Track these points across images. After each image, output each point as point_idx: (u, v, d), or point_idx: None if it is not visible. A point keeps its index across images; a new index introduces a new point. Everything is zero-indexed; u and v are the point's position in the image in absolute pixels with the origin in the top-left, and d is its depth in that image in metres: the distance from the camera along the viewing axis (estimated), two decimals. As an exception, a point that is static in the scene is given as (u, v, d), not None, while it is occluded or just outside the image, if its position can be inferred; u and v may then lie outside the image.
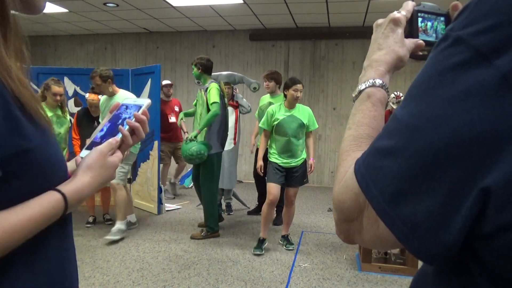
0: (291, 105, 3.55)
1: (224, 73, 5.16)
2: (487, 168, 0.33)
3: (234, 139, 4.81)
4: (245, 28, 7.52)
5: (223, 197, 5.01)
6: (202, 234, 3.99)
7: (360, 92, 0.56)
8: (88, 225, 4.37)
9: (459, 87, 0.35)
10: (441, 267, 0.44)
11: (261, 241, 3.66)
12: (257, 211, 4.96)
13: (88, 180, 0.66)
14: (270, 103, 4.56)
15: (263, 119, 3.60)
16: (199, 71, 4.01)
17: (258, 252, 3.56)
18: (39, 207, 0.58)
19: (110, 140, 0.71)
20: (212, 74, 5.28)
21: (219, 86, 3.95)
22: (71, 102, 5.34)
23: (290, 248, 3.70)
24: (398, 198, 0.39)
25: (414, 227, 0.38)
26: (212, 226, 4.02)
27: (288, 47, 7.47)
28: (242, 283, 2.96)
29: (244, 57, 7.67)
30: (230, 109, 4.76)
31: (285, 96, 3.57)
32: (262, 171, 3.70)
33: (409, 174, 0.38)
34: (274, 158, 3.58)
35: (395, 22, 0.59)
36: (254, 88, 5.03)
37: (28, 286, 0.60)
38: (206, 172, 3.94)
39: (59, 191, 0.62)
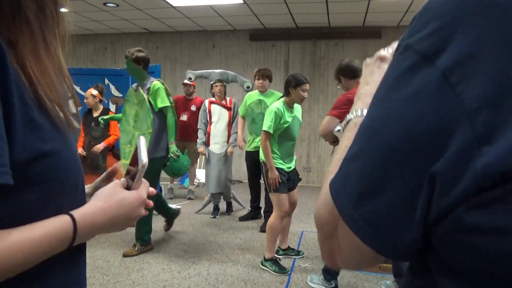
0: (292, 105, 3.24)
1: (217, 71, 5.10)
2: (436, 158, 0.35)
3: (227, 142, 4.70)
4: (245, 28, 7.52)
5: (221, 197, 4.94)
6: (136, 249, 3.50)
7: (348, 122, 0.60)
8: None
9: (409, 88, 0.38)
10: (409, 261, 0.46)
11: (277, 261, 3.26)
12: (251, 217, 4.79)
13: (101, 205, 0.61)
14: (260, 101, 4.42)
15: (268, 122, 3.12)
16: (140, 66, 3.38)
17: (286, 271, 3.18)
18: (43, 226, 0.52)
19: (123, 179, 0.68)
20: (204, 71, 5.22)
21: (164, 84, 3.54)
22: (71, 102, 5.34)
23: (302, 255, 3.58)
24: (362, 200, 0.40)
25: (377, 226, 0.39)
26: (145, 239, 3.55)
27: (288, 47, 7.47)
28: (242, 283, 2.96)
29: (244, 57, 7.67)
30: (222, 110, 4.67)
31: (287, 94, 3.22)
32: (274, 182, 3.17)
33: (370, 174, 0.40)
34: (279, 163, 3.22)
35: (381, 59, 0.63)
36: (248, 87, 4.90)
37: None
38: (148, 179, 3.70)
39: (67, 213, 0.56)
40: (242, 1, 5.85)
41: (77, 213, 0.57)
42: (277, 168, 3.17)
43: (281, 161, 3.24)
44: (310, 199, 6.04)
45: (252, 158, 4.40)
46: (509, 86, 0.33)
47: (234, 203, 5.30)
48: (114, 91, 5.48)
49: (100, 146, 4.30)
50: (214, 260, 3.43)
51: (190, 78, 4.98)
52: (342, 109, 2.70)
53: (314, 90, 7.37)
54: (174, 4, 6.04)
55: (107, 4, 6.08)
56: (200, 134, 4.71)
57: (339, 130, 2.73)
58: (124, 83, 5.45)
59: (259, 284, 2.96)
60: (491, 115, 0.33)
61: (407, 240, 0.38)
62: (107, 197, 0.62)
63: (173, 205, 5.39)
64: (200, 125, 4.74)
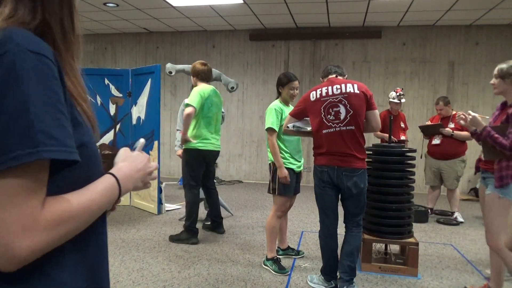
0: (287, 103, 3.29)
1: None
2: None
3: None
4: (245, 28, 7.52)
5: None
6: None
7: (293, 126, 0.72)
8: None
9: None
10: None
11: (278, 260, 3.24)
12: (216, 227, 4.23)
13: (123, 163, 0.79)
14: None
15: (271, 119, 3.11)
16: None
17: (285, 272, 3.15)
18: (98, 185, 0.69)
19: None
20: (186, 66, 4.91)
21: None
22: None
23: (302, 255, 3.57)
24: None
25: None
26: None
27: (288, 47, 7.47)
28: (242, 283, 2.96)
29: (244, 57, 7.67)
30: None
31: (279, 93, 3.28)
32: (283, 182, 3.12)
33: None
34: (289, 163, 3.17)
35: None
36: (232, 88, 4.72)
37: (73, 268, 0.67)
38: None
39: (112, 174, 0.74)
40: (242, 1, 5.85)
41: (112, 171, 0.75)
42: (287, 169, 3.13)
43: (291, 160, 3.20)
44: (310, 199, 6.04)
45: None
46: None
47: (234, 204, 5.28)
48: (114, 91, 5.47)
49: None
50: (214, 260, 3.43)
51: (170, 72, 4.86)
52: (296, 107, 2.87)
53: (314, 90, 7.36)
54: (174, 4, 6.04)
55: (107, 4, 6.08)
56: (177, 135, 4.49)
57: (288, 127, 2.87)
58: (124, 83, 5.46)
59: (259, 284, 2.96)
60: None
61: None
62: (124, 157, 0.81)
63: (172, 205, 5.40)
64: (178, 125, 4.61)
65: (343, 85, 2.67)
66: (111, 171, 0.75)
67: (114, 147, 5.45)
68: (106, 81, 5.43)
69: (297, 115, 2.84)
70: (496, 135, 2.42)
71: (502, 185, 2.44)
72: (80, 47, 0.75)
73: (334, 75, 2.84)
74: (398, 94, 5.04)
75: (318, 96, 2.73)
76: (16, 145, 0.55)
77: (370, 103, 2.65)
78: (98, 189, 0.68)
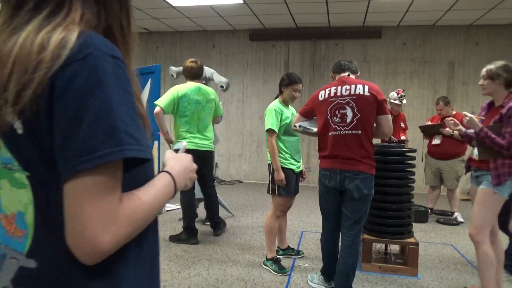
0: (287, 104, 3.26)
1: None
2: None
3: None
4: (245, 28, 7.52)
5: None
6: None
7: (300, 126, 0.75)
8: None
9: None
10: None
11: (278, 260, 3.24)
12: (213, 228, 4.14)
13: (172, 163, 0.82)
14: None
15: (271, 120, 3.07)
16: None
17: (285, 272, 3.15)
18: (157, 183, 0.73)
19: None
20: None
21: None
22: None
23: (302, 255, 3.58)
24: None
25: None
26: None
27: (288, 47, 7.47)
28: (242, 283, 2.96)
29: (244, 57, 7.67)
30: None
31: (280, 92, 3.25)
32: (281, 183, 3.10)
33: None
34: (289, 164, 3.16)
35: None
36: (222, 87, 4.61)
37: (136, 261, 0.71)
38: None
39: (167, 172, 0.77)
40: (242, 1, 5.85)
41: (167, 169, 0.79)
42: (287, 169, 3.12)
43: (291, 160, 3.18)
44: (310, 199, 6.04)
45: None
46: None
47: (234, 204, 5.27)
48: (114, 91, 5.47)
49: None
50: (214, 260, 3.43)
51: (172, 75, 4.87)
52: (305, 106, 2.79)
53: (314, 90, 7.34)
54: (174, 4, 6.04)
55: (107, 4, 6.08)
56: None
57: (295, 126, 2.84)
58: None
59: (259, 284, 2.96)
60: None
61: None
62: (173, 158, 0.84)
63: (172, 205, 5.40)
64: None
65: (353, 86, 2.51)
66: (166, 169, 0.78)
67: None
68: (106, 81, 5.42)
69: (305, 114, 2.76)
70: (494, 136, 2.43)
71: (500, 182, 2.45)
72: (136, 48, 0.78)
73: (346, 74, 2.66)
74: (399, 95, 5.04)
75: (326, 96, 2.60)
76: (103, 144, 0.58)
77: (382, 107, 2.47)
78: (158, 186, 0.72)
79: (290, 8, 6.13)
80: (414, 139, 6.65)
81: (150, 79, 5.12)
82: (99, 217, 0.58)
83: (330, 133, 2.57)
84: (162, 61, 7.77)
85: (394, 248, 3.61)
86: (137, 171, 0.69)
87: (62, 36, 0.60)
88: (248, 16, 6.64)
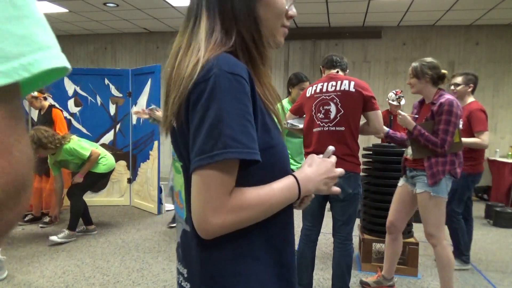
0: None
1: None
2: None
3: None
4: (245, 28, 7.52)
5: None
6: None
7: (287, 123, 0.77)
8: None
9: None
10: None
11: None
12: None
13: (308, 168, 0.89)
14: None
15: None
16: None
17: None
18: (279, 182, 0.81)
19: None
20: None
21: None
22: (71, 102, 5.34)
23: None
24: None
25: None
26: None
27: (288, 47, 7.47)
28: (242, 283, 2.95)
29: (244, 57, 7.67)
30: None
31: (288, 92, 3.23)
32: None
33: None
34: (291, 165, 3.15)
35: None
36: None
37: (262, 245, 0.83)
38: None
39: (293, 175, 0.85)
40: (242, 1, 5.84)
41: (295, 173, 0.86)
42: None
43: (292, 161, 3.15)
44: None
45: None
46: None
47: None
48: (114, 91, 5.47)
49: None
50: (214, 260, 3.43)
51: None
52: (295, 103, 2.77)
53: (314, 90, 7.36)
54: (174, 4, 6.04)
55: (107, 4, 6.08)
56: None
57: (285, 123, 2.81)
58: (124, 83, 5.45)
59: (259, 284, 2.95)
60: None
61: None
62: (311, 162, 0.91)
63: (172, 205, 5.40)
64: None
65: (339, 82, 2.45)
66: (294, 173, 0.86)
67: (114, 147, 5.45)
68: (106, 81, 5.43)
69: (295, 111, 2.72)
70: (427, 134, 2.42)
71: (435, 181, 2.42)
72: (270, 54, 0.88)
73: (335, 71, 2.61)
74: (397, 96, 5.03)
75: (312, 92, 2.54)
76: (213, 147, 0.72)
77: (370, 103, 2.41)
78: (279, 186, 0.81)
79: (290, 8, 6.12)
80: (414, 139, 6.64)
81: (150, 79, 5.13)
82: (210, 204, 0.73)
83: (314, 129, 2.50)
84: (162, 61, 7.77)
85: (394, 248, 3.61)
86: (264, 171, 0.81)
87: (196, 60, 0.78)
88: (248, 16, 6.64)
